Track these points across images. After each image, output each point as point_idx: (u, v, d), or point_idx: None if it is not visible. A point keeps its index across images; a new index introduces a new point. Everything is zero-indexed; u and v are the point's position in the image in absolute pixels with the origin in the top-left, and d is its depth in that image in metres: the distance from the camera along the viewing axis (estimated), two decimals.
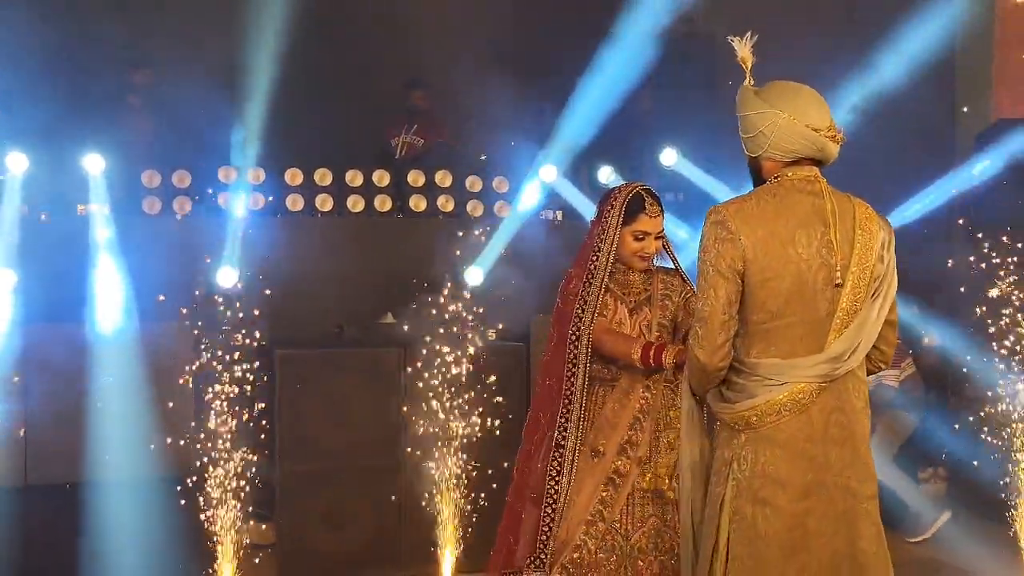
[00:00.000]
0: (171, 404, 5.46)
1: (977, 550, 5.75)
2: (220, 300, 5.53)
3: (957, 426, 6.51)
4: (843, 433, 3.00)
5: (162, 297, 5.59)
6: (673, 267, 3.91)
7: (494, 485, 5.30)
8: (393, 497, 5.64)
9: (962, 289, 6.13)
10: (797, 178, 3.03)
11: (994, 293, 5.84)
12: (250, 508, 5.29)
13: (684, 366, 3.26)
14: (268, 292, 5.62)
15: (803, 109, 3.01)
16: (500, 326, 6.01)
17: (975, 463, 6.14)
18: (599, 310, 3.70)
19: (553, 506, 3.66)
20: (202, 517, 5.16)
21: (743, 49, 3.12)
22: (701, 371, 3.02)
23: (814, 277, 2.94)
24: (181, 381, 5.51)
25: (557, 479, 3.66)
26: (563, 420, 3.68)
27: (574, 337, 3.67)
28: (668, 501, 3.71)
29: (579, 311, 3.68)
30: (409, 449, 5.58)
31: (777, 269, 2.93)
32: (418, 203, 6.96)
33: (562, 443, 3.67)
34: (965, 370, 6.28)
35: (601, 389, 3.76)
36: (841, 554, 2.99)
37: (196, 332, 5.77)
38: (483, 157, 7.20)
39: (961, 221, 6.70)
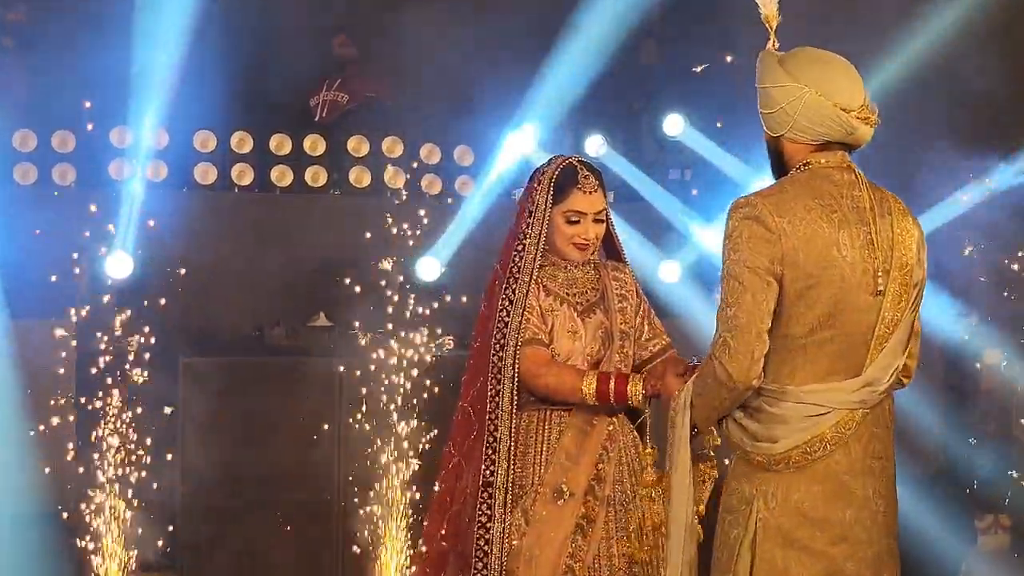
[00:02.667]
0: (48, 422, 5.52)
1: None
2: (110, 294, 5.62)
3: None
4: (879, 463, 3.13)
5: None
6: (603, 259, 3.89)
7: None
8: (326, 537, 5.72)
9: None
10: (831, 166, 3.12)
11: None
12: (144, 552, 5.36)
13: (659, 398, 3.40)
14: (172, 285, 5.72)
15: (832, 85, 3.08)
16: (455, 333, 6.10)
17: None
18: (542, 318, 3.63)
19: (484, 562, 3.56)
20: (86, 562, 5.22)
21: (768, 5, 3.20)
22: (729, 391, 3.04)
23: (857, 284, 3.04)
24: (60, 395, 5.60)
25: (487, 526, 3.56)
26: (489, 451, 3.57)
27: (498, 346, 3.57)
28: (637, 562, 3.64)
29: (503, 314, 3.60)
30: (344, 480, 5.66)
31: (819, 275, 3.01)
32: (360, 177, 7.01)
33: (490, 479, 3.56)
34: None
35: (555, 414, 3.67)
36: None
37: (80, 334, 5.88)
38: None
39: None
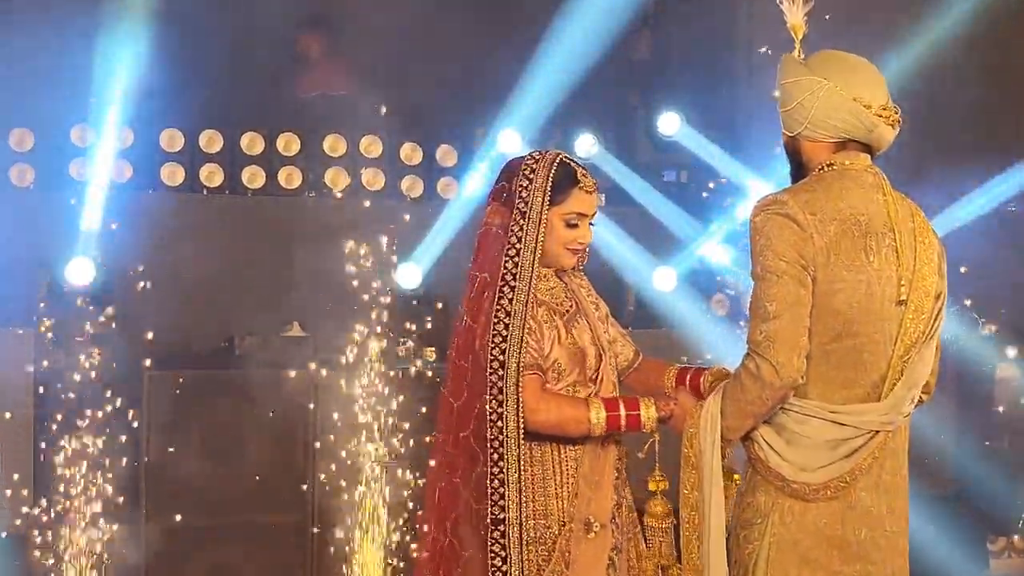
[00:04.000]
0: (4, 439, 5.53)
1: None
2: (72, 302, 5.64)
3: None
4: (895, 480, 3.25)
5: None
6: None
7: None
8: (297, 559, 5.75)
9: None
10: (855, 168, 3.23)
11: None
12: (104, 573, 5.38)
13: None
14: (137, 294, 5.74)
15: (852, 79, 3.21)
16: (436, 344, 6.12)
17: None
18: (541, 334, 3.48)
19: None
20: None
21: (794, 15, 3.33)
22: (773, 391, 3.10)
23: (881, 292, 3.15)
24: (17, 408, 5.61)
25: (503, 569, 3.38)
26: (495, 483, 3.38)
27: (496, 364, 3.38)
28: None
29: (499, 327, 3.40)
30: (319, 501, 5.69)
31: (848, 279, 3.12)
32: (336, 178, 7.04)
33: (500, 517, 3.37)
34: None
35: (566, 445, 3.52)
36: None
37: (38, 344, 5.90)
38: (383, 110, 7.13)
39: None
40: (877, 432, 3.16)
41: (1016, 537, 7.16)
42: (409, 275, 6.19)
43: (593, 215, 3.59)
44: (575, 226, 3.54)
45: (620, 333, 3.79)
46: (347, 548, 5.64)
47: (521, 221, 3.47)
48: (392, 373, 5.78)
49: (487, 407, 3.38)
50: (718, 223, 7.22)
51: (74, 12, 6.74)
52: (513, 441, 3.37)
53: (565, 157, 3.57)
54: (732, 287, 7.11)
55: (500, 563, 3.38)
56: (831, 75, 3.20)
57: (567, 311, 3.58)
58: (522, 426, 3.38)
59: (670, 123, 7.53)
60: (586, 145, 7.36)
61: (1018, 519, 7.00)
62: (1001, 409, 7.14)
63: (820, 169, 3.25)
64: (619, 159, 7.50)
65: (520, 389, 3.37)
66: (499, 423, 3.36)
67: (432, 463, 3.59)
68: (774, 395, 3.10)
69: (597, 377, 3.57)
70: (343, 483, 5.64)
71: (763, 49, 3.31)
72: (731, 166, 7.33)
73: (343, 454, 5.66)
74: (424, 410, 5.66)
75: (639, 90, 8.02)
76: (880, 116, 3.21)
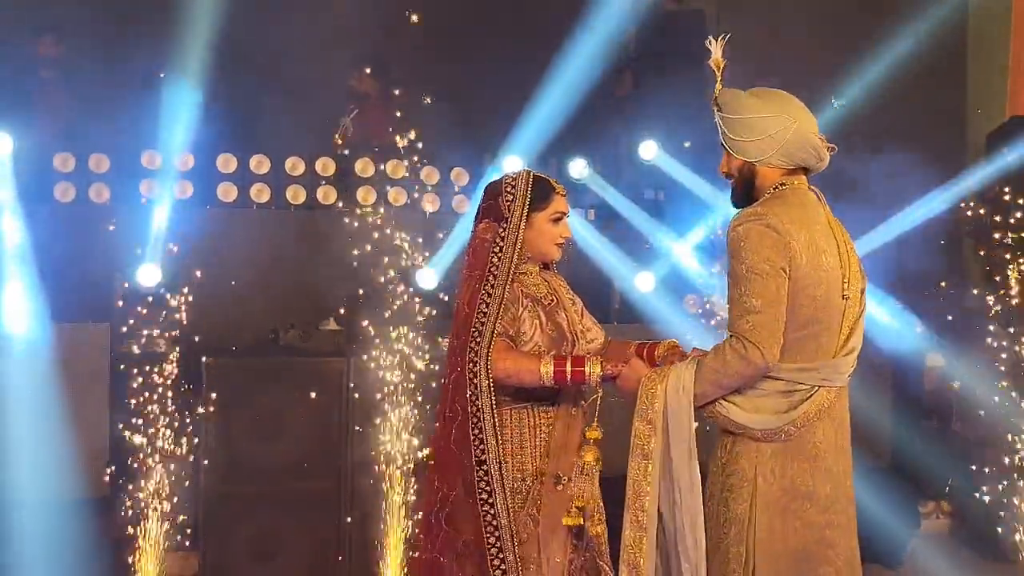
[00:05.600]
0: (86, 416, 5.57)
1: None
2: (141, 300, 5.67)
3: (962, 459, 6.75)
4: (845, 441, 3.40)
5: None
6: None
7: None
8: (333, 524, 5.77)
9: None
10: (801, 188, 3.35)
11: (998, 308, 6.12)
12: (170, 534, 5.41)
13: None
14: (197, 295, 5.77)
15: (807, 117, 3.33)
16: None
17: (978, 496, 6.41)
18: (516, 318, 3.57)
19: (495, 534, 3.47)
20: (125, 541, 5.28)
21: (717, 52, 3.43)
22: (755, 370, 3.19)
23: (835, 288, 3.28)
24: (96, 391, 5.64)
25: (489, 502, 3.47)
26: (476, 431, 3.48)
27: (476, 332, 3.50)
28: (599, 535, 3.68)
29: (483, 307, 3.52)
30: (352, 470, 5.72)
31: (814, 278, 3.23)
32: (366, 195, 7.08)
33: (482, 459, 3.47)
34: (969, 395, 6.56)
35: (541, 411, 3.62)
36: (850, 564, 3.37)
37: (114, 336, 5.93)
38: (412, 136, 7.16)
39: (967, 230, 6.96)
40: (818, 388, 3.26)
41: (943, 501, 7.19)
42: (428, 277, 6.22)
43: (567, 214, 3.75)
44: (558, 221, 3.71)
45: (593, 323, 3.86)
46: (377, 512, 5.66)
47: (505, 225, 3.63)
48: (415, 355, 5.82)
49: (466, 369, 3.50)
50: (690, 235, 7.26)
51: (144, 54, 6.90)
52: (486, 394, 3.48)
53: (536, 173, 3.75)
54: (701, 289, 7.14)
55: (487, 496, 3.48)
56: (795, 114, 3.30)
57: (549, 303, 3.69)
58: (492, 383, 3.48)
59: (649, 149, 7.50)
60: (578, 168, 7.38)
61: (944, 486, 7.03)
62: (929, 391, 7.17)
63: (774, 189, 3.33)
64: (606, 180, 7.51)
65: (490, 351, 3.48)
66: (475, 380, 3.48)
67: (436, 426, 3.69)
68: (752, 374, 3.21)
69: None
70: (372, 454, 5.68)
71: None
72: (700, 186, 7.37)
73: (372, 427, 5.69)
74: (435, 387, 5.66)
75: (623, 121, 8.04)
76: (825, 147, 3.35)
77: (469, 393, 3.49)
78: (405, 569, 5.65)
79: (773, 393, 3.25)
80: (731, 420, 3.28)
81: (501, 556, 3.47)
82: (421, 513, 3.91)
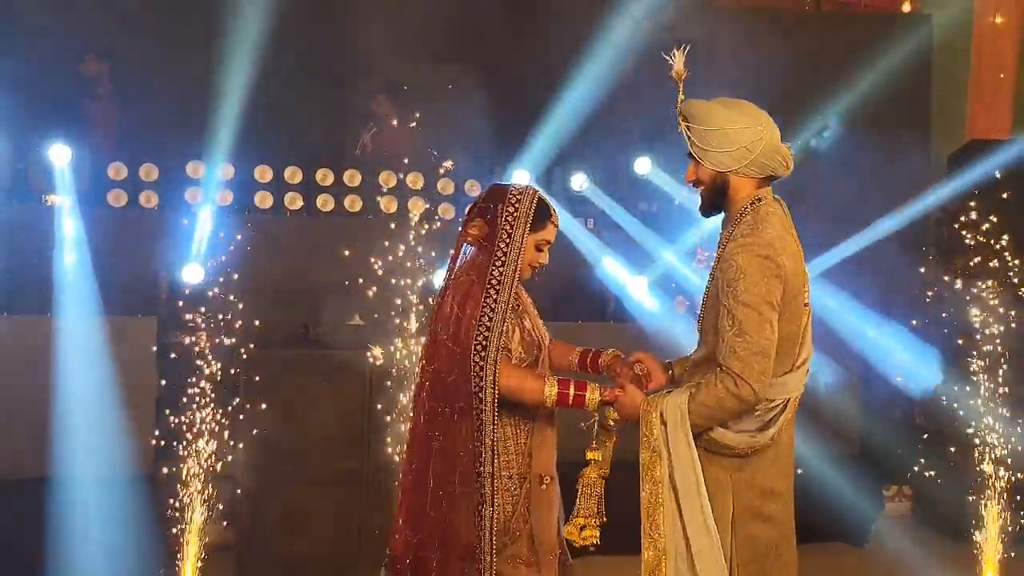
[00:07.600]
0: (135, 402, 5.59)
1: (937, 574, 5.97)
2: (186, 297, 5.69)
3: (923, 446, 6.75)
4: (792, 439, 3.29)
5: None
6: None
7: None
8: (357, 500, 5.78)
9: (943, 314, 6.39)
10: (771, 199, 3.17)
11: (962, 317, 6.12)
12: (211, 508, 5.43)
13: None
14: (235, 292, 5.78)
15: (774, 126, 3.14)
16: None
17: (940, 481, 6.40)
18: (509, 332, 3.43)
19: (479, 532, 3.33)
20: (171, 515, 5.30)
21: (678, 63, 3.25)
22: (747, 407, 3.06)
23: (802, 298, 3.13)
24: (144, 378, 5.66)
25: (481, 512, 3.33)
26: (479, 444, 3.33)
27: (479, 347, 3.30)
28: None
29: (484, 319, 3.32)
30: (374, 454, 5.73)
31: (794, 292, 3.09)
32: (388, 204, 7.12)
33: (479, 469, 3.33)
34: (932, 389, 6.56)
35: (522, 417, 3.47)
36: (795, 548, 3.31)
37: (160, 328, 5.96)
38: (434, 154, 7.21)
39: (929, 245, 6.96)
40: (789, 400, 3.16)
41: (905, 486, 7.19)
42: (441, 278, 6.23)
43: (551, 243, 3.56)
44: (541, 251, 3.51)
45: (541, 323, 3.69)
46: (393, 483, 5.66)
47: (508, 240, 3.39)
48: None
49: (471, 384, 3.32)
50: (679, 243, 7.27)
51: (186, 72, 6.85)
52: (490, 409, 3.33)
53: (541, 195, 3.54)
54: (688, 291, 7.15)
55: (481, 498, 3.32)
56: (765, 124, 3.12)
57: (519, 310, 3.54)
58: (497, 399, 3.33)
59: (643, 165, 7.57)
60: (579, 181, 7.43)
61: (906, 472, 7.03)
62: (896, 386, 7.17)
63: (752, 204, 3.15)
64: (605, 192, 7.57)
65: (496, 367, 3.31)
66: (480, 395, 3.31)
67: (421, 420, 3.45)
68: (746, 409, 3.07)
69: (540, 358, 3.54)
70: (390, 439, 5.69)
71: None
72: (689, 199, 7.37)
73: (392, 417, 5.69)
74: None
75: (620, 140, 8.05)
76: (790, 154, 3.19)
77: (475, 406, 3.33)
78: None
79: (753, 414, 3.12)
80: (718, 443, 3.14)
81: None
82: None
